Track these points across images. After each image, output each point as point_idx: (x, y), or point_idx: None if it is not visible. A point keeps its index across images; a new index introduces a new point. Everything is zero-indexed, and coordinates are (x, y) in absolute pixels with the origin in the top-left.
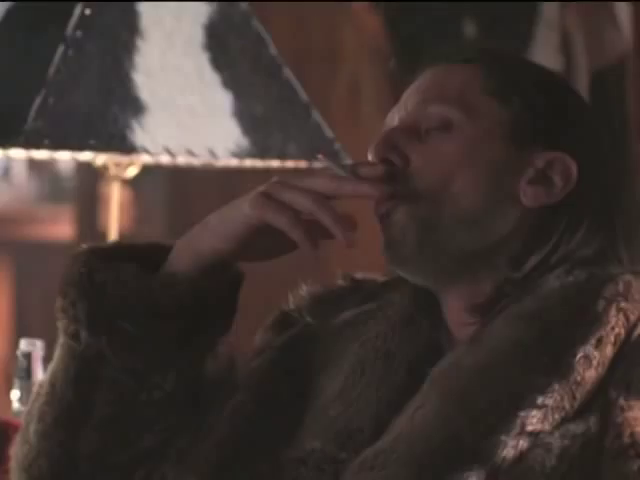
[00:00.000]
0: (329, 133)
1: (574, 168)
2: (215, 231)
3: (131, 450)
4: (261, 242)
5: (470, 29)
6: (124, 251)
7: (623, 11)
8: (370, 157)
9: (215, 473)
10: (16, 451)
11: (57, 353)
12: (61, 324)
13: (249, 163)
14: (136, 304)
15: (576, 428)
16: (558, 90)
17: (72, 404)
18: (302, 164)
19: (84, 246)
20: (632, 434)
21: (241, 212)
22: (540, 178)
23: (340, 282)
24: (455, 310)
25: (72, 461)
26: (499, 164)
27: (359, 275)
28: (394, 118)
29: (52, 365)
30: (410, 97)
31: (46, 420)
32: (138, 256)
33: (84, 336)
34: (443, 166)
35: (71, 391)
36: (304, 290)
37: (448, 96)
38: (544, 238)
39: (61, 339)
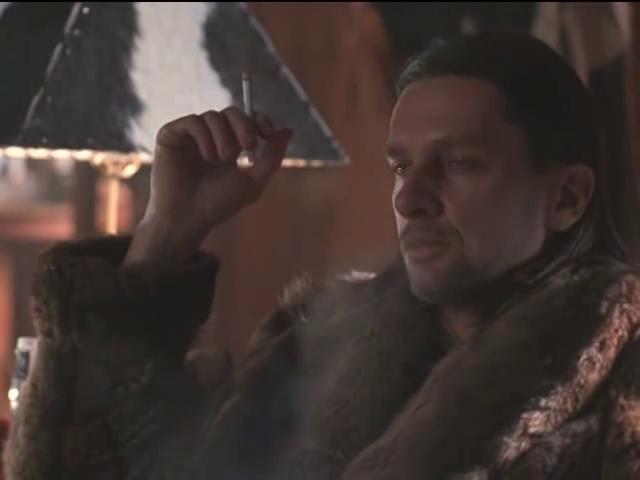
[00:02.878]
0: (327, 132)
1: (592, 177)
2: (152, 194)
3: (118, 447)
4: (193, 181)
5: (468, 28)
6: (94, 245)
7: (621, 10)
8: (400, 205)
9: (210, 473)
10: (8, 456)
11: (36, 353)
12: (37, 323)
13: (247, 162)
14: (103, 298)
15: (577, 427)
16: (568, 93)
17: (54, 402)
18: (300, 163)
19: (53, 244)
20: (633, 433)
21: (156, 150)
22: (565, 197)
23: (333, 285)
24: (458, 312)
25: (60, 461)
26: (528, 194)
27: (351, 277)
28: (401, 137)
29: (33, 366)
30: (421, 120)
31: (32, 421)
32: (108, 249)
33: (57, 333)
34: (476, 208)
35: (52, 389)
36: (299, 286)
37: (471, 134)
38: (563, 250)
39: (39, 338)
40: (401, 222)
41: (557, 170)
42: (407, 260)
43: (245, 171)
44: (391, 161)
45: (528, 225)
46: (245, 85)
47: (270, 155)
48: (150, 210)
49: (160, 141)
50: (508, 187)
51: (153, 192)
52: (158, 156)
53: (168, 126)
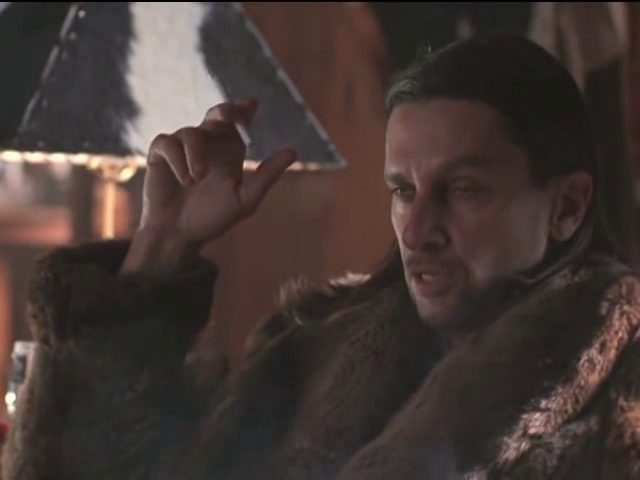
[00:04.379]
0: (323, 134)
1: (591, 181)
2: (143, 211)
3: (116, 455)
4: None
5: (465, 30)
6: (91, 251)
7: (617, 11)
8: (408, 240)
9: (205, 474)
10: (6, 460)
11: (33, 358)
12: (33, 329)
13: (244, 165)
14: (100, 306)
15: (577, 428)
16: (565, 103)
17: (51, 409)
18: (297, 166)
19: (50, 249)
20: (633, 434)
21: (147, 170)
22: (566, 206)
23: (328, 290)
24: None
25: (57, 467)
26: (532, 211)
27: (345, 280)
28: (401, 164)
29: (30, 371)
30: (423, 148)
31: (29, 427)
32: (106, 255)
33: (53, 340)
34: (482, 237)
35: (49, 396)
36: (294, 289)
37: (474, 161)
38: (564, 254)
39: (36, 344)
40: (406, 250)
41: (558, 181)
42: (413, 289)
43: (238, 189)
44: (390, 184)
45: (532, 240)
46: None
47: (266, 172)
48: (142, 224)
49: (148, 161)
50: (512, 208)
51: (143, 210)
52: (147, 176)
53: (152, 146)
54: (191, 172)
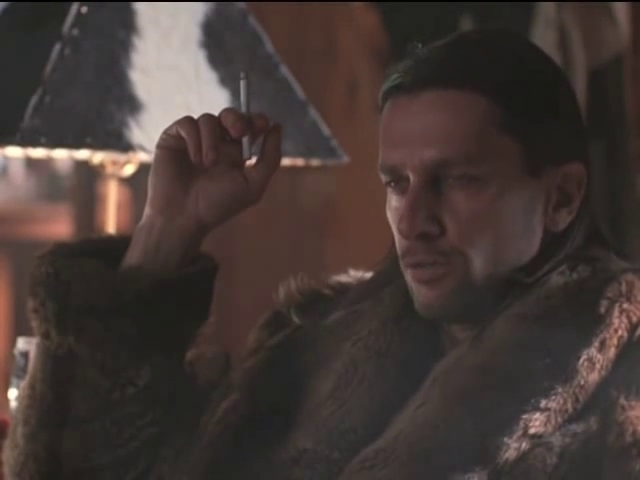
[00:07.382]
0: (326, 131)
1: (584, 172)
2: (148, 196)
3: (116, 450)
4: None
5: (468, 27)
6: (92, 246)
7: (620, 8)
8: (403, 229)
9: (208, 473)
10: (7, 456)
11: (34, 353)
12: (34, 324)
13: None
14: (100, 301)
15: (577, 427)
16: (555, 94)
17: (52, 404)
18: (299, 162)
19: (51, 244)
20: (634, 433)
21: (154, 154)
22: (560, 197)
23: (327, 289)
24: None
25: (57, 462)
26: (527, 201)
27: (348, 276)
28: (395, 156)
29: (31, 366)
30: (416, 139)
31: (31, 422)
32: (107, 250)
33: (53, 335)
34: (477, 226)
35: (49, 391)
36: (294, 287)
37: (468, 152)
38: (560, 248)
39: (37, 339)
40: (401, 242)
41: (552, 172)
42: (409, 278)
43: (245, 174)
44: (384, 177)
45: (528, 231)
46: (243, 85)
47: (266, 157)
48: (146, 211)
49: (158, 145)
50: (507, 198)
51: (149, 193)
52: (155, 158)
53: (166, 130)
54: (204, 158)
